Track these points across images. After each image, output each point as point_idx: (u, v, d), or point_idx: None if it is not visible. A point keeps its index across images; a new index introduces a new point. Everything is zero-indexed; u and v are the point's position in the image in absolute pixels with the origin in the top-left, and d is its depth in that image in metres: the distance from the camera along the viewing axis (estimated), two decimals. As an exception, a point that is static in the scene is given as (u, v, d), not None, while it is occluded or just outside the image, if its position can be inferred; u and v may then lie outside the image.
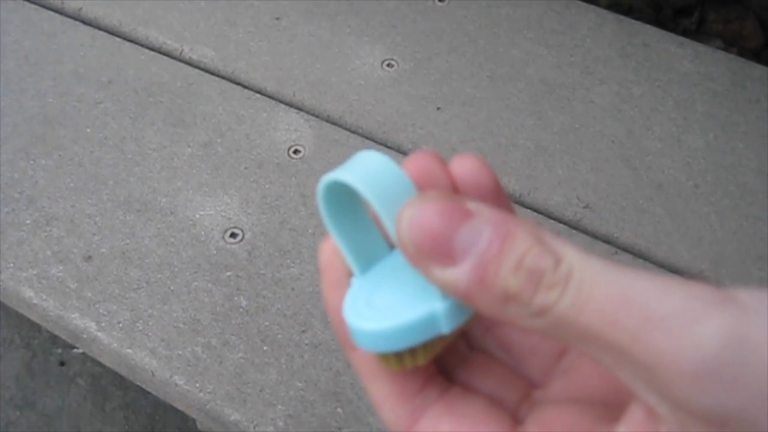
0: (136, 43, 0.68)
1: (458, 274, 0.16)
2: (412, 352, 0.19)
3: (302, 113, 0.62)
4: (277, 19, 0.70)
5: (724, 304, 0.14)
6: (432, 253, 0.17)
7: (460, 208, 0.17)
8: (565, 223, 0.57)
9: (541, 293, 0.16)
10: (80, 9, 0.70)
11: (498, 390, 0.21)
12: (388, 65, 0.65)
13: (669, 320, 0.14)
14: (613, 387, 0.19)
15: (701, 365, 0.14)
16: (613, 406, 0.18)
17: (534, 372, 0.21)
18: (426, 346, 0.19)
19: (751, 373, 0.14)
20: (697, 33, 0.83)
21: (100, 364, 0.55)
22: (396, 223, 0.17)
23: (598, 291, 0.15)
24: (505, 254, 0.16)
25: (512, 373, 0.21)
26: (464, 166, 0.21)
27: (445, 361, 0.21)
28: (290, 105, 0.63)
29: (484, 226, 0.16)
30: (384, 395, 0.20)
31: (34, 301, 0.51)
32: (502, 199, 0.21)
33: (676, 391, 0.14)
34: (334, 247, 0.21)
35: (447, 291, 0.17)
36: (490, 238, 0.16)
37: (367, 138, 0.61)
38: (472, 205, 0.17)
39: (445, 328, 0.19)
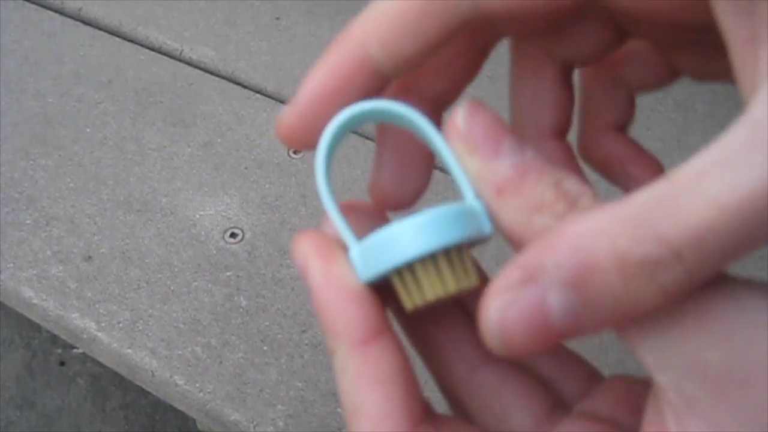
0: (136, 43, 0.68)
1: (500, 167, 0.16)
2: (438, 273, 0.16)
3: (302, 113, 0.62)
4: (277, 19, 0.70)
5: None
6: (480, 142, 0.16)
7: (510, 130, 0.17)
8: (565, 223, 0.57)
9: (575, 213, 0.15)
10: (80, 9, 0.70)
11: (515, 409, 0.20)
12: (388, 65, 0.65)
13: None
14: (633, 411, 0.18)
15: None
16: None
17: (523, 425, 0.20)
18: (454, 266, 0.17)
19: None
20: (697, 33, 0.83)
21: (100, 364, 0.55)
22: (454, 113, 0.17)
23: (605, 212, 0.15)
24: (547, 169, 0.16)
25: (528, 390, 0.20)
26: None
27: (450, 387, 0.20)
28: (290, 105, 0.63)
29: (531, 148, 0.17)
30: (390, 411, 0.16)
31: (34, 301, 0.51)
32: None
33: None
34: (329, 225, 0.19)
35: (480, 186, 0.16)
36: (536, 154, 0.16)
37: (368, 138, 0.61)
38: (507, 143, 0.17)
39: (487, 227, 0.17)
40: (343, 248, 0.18)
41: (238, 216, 0.56)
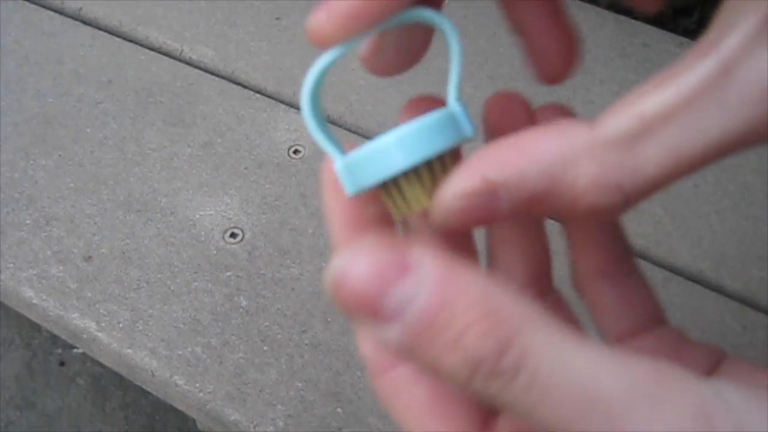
0: (136, 43, 0.68)
1: (390, 333, 0.14)
2: (421, 183, 0.17)
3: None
4: (277, 19, 0.70)
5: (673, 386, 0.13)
6: (360, 312, 0.14)
7: (396, 261, 0.14)
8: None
9: (479, 381, 0.13)
10: (80, 9, 0.70)
11: None
12: (388, 65, 0.65)
13: (631, 420, 0.13)
14: None
15: None
16: None
17: None
18: (436, 176, 0.17)
19: None
20: (697, 33, 0.83)
21: (100, 364, 0.55)
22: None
23: (556, 383, 0.13)
24: (440, 327, 0.13)
25: None
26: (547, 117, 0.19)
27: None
28: (290, 105, 0.63)
29: (421, 286, 0.14)
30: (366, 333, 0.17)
31: (34, 301, 0.51)
32: None
33: None
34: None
35: (382, 345, 0.15)
36: (425, 304, 0.14)
37: (368, 138, 0.61)
38: (415, 255, 0.14)
39: (468, 130, 0.17)
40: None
41: (238, 216, 0.56)
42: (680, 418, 0.13)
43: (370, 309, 0.14)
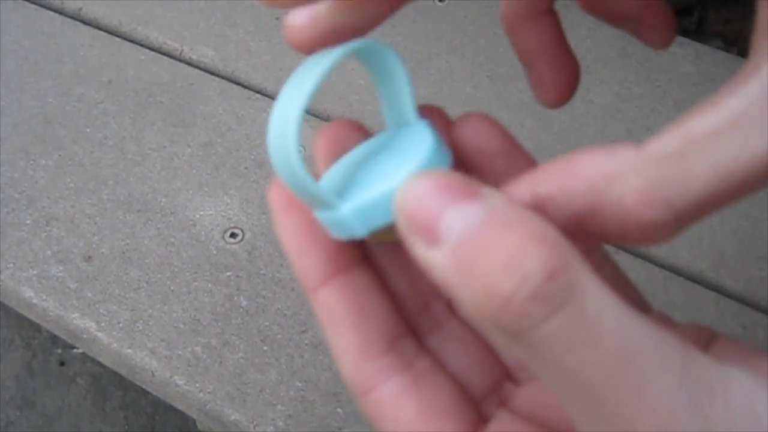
0: (136, 43, 0.68)
1: (439, 256, 0.14)
2: None
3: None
4: (277, 19, 0.70)
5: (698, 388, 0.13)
6: (417, 228, 0.14)
7: (465, 186, 0.14)
8: (565, 223, 0.57)
9: (521, 304, 0.13)
10: (80, 9, 0.70)
11: (469, 370, 0.19)
12: (388, 65, 0.65)
13: (659, 401, 0.13)
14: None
15: None
16: None
17: (512, 360, 0.20)
18: None
19: None
20: (697, 33, 0.83)
21: (100, 364, 0.55)
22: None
23: (601, 327, 0.13)
24: (495, 244, 0.13)
25: (489, 353, 0.20)
26: (469, 128, 0.19)
27: (418, 324, 0.20)
28: (290, 105, 0.63)
29: (481, 209, 0.14)
30: (347, 347, 0.18)
31: (34, 301, 0.51)
32: (517, 161, 0.19)
33: None
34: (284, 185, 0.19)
35: (429, 275, 0.15)
36: (482, 222, 0.14)
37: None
38: (485, 189, 0.14)
39: (445, 148, 0.18)
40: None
41: (238, 216, 0.56)
42: (702, 393, 0.13)
43: (428, 224, 0.14)
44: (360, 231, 0.17)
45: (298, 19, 0.17)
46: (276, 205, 0.19)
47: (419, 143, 0.19)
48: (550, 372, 0.13)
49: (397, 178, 0.17)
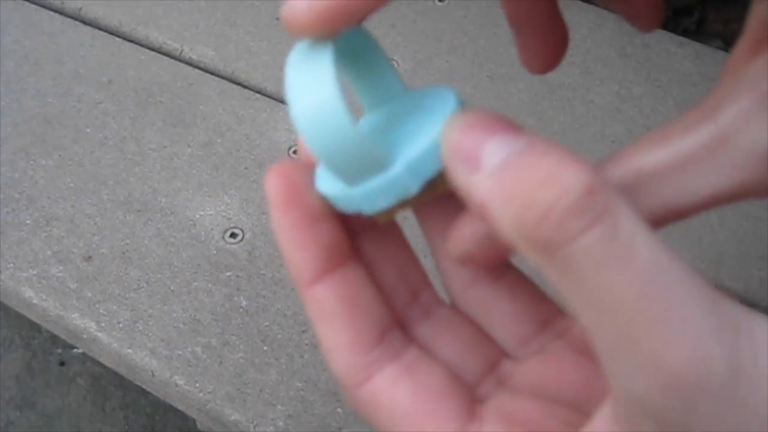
0: (136, 43, 0.68)
1: (480, 180, 0.15)
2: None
3: (302, 113, 0.62)
4: (277, 19, 0.70)
5: (733, 328, 0.13)
6: (461, 155, 0.15)
7: (506, 122, 0.15)
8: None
9: (558, 215, 0.13)
10: (80, 9, 0.70)
11: (462, 355, 0.19)
12: (388, 65, 0.65)
13: (686, 326, 0.13)
14: (586, 384, 0.18)
15: (704, 380, 0.13)
16: (582, 408, 0.18)
17: (510, 339, 0.20)
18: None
19: (750, 401, 0.13)
20: (697, 33, 0.83)
21: (100, 364, 0.55)
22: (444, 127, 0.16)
23: (635, 245, 0.13)
24: (535, 165, 0.14)
25: (482, 337, 0.20)
26: None
27: (407, 314, 0.20)
28: (290, 105, 0.63)
29: (522, 140, 0.15)
30: (338, 342, 0.18)
31: (34, 301, 0.51)
32: None
33: (661, 401, 0.13)
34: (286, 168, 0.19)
35: (469, 203, 0.15)
36: (523, 149, 0.14)
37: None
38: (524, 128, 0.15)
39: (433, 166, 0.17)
40: (309, 175, 0.19)
41: (238, 216, 0.56)
42: (728, 325, 0.13)
43: (473, 150, 0.15)
44: (413, 187, 0.17)
45: (298, 5, 0.17)
46: (274, 199, 0.19)
47: (441, 98, 0.19)
48: (580, 292, 0.13)
49: (440, 125, 0.17)
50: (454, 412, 0.18)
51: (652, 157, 0.16)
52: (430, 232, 0.21)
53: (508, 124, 0.15)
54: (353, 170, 0.17)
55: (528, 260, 0.14)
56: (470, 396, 0.18)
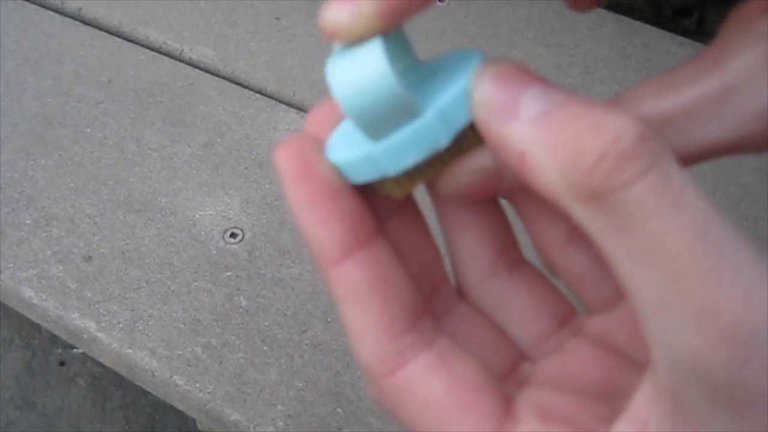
0: (136, 43, 0.68)
1: (519, 129, 0.14)
2: (418, 168, 0.17)
3: (302, 113, 0.62)
4: (277, 19, 0.70)
5: None
6: (496, 103, 0.15)
7: (538, 76, 0.15)
8: (565, 223, 0.57)
9: (610, 163, 0.13)
10: (80, 9, 0.70)
11: (484, 354, 0.18)
12: (388, 65, 0.65)
13: (739, 275, 0.12)
14: (609, 380, 0.18)
15: (758, 329, 0.12)
16: (609, 403, 0.17)
17: (527, 337, 0.19)
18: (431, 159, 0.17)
19: None
20: (697, 33, 0.83)
21: (100, 364, 0.55)
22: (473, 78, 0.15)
23: (687, 197, 0.13)
24: (581, 113, 0.13)
25: (501, 337, 0.19)
26: None
27: (432, 304, 0.19)
28: (290, 105, 0.63)
29: (560, 92, 0.14)
30: (368, 326, 0.17)
31: (34, 301, 0.51)
32: None
33: (713, 355, 0.12)
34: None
35: (504, 155, 0.15)
36: (565, 99, 0.14)
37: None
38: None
39: (463, 116, 0.16)
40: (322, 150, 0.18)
41: (238, 216, 0.56)
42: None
43: (509, 99, 0.14)
44: (445, 137, 0.16)
45: (336, 11, 0.16)
46: (287, 174, 0.17)
47: (465, 58, 0.18)
48: (630, 242, 0.13)
49: (469, 74, 0.16)
50: (490, 407, 0.16)
51: (659, 104, 0.16)
52: (446, 222, 0.20)
53: (541, 77, 0.15)
54: (384, 118, 0.16)
55: (572, 212, 0.14)
56: (503, 391, 0.17)
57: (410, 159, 0.16)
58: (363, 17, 0.15)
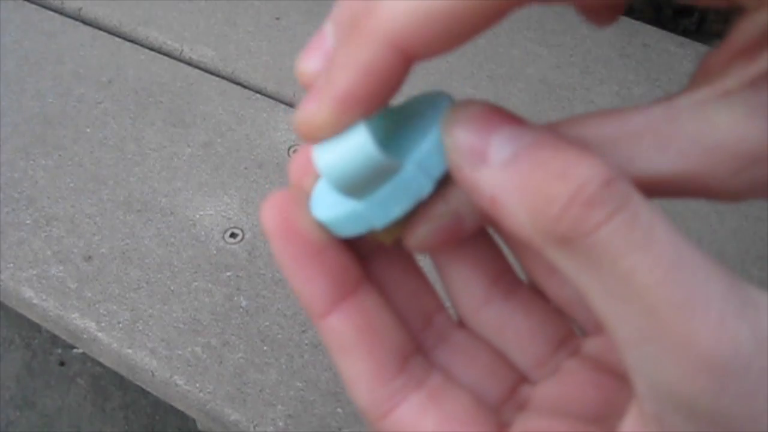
0: (136, 43, 0.68)
1: (488, 174, 0.14)
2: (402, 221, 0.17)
3: (302, 113, 0.62)
4: (277, 19, 0.70)
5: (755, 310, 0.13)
6: (465, 147, 0.15)
7: (508, 115, 0.15)
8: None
9: (577, 209, 0.13)
10: (80, 9, 0.70)
11: (481, 381, 0.19)
12: (388, 65, 0.65)
13: (711, 306, 0.13)
14: (606, 401, 0.18)
15: (733, 358, 0.12)
16: (605, 425, 0.17)
17: (526, 361, 0.19)
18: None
19: None
20: (697, 33, 0.83)
21: (100, 364, 0.55)
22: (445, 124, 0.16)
23: (654, 237, 0.13)
24: (549, 158, 0.14)
25: (499, 361, 0.19)
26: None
27: (422, 340, 0.19)
28: (290, 105, 0.63)
29: (530, 133, 0.14)
30: (358, 373, 0.17)
31: (34, 301, 0.51)
32: None
33: (691, 386, 0.13)
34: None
35: (476, 199, 0.15)
36: (534, 142, 0.14)
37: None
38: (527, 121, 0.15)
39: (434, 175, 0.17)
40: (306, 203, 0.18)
41: (238, 216, 0.56)
42: (749, 303, 0.13)
43: (478, 145, 0.15)
44: (427, 186, 0.17)
45: (306, 108, 0.16)
46: (273, 232, 0.18)
47: (434, 102, 0.18)
48: (602, 282, 0.13)
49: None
50: None
51: (601, 127, 0.16)
52: (437, 255, 0.20)
53: (509, 116, 0.15)
54: (370, 183, 0.17)
55: (544, 253, 0.14)
56: (497, 421, 0.18)
57: (396, 211, 0.17)
58: (332, 104, 0.15)
